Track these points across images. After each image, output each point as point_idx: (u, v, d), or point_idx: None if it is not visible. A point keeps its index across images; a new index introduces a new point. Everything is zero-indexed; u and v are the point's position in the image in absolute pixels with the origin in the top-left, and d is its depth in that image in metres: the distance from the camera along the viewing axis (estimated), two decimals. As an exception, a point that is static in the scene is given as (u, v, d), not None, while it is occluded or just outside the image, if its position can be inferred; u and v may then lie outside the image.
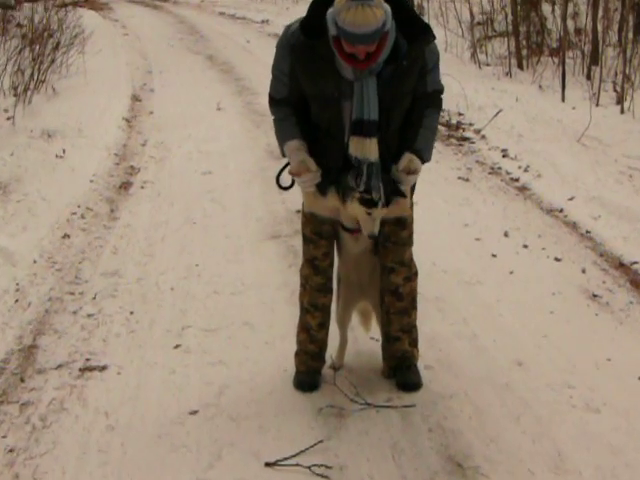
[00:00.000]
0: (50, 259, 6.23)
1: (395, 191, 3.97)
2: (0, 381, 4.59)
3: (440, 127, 9.81)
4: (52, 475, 3.79)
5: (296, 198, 7.45)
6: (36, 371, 4.69)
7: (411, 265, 4.30)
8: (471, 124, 10.08)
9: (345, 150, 3.93)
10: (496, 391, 4.32)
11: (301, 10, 4.39)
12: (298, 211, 6.92)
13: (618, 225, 6.54)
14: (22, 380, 4.59)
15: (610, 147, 8.50)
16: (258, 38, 18.93)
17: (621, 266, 5.89)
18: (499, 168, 8.40)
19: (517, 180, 7.98)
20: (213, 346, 4.89)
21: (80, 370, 4.68)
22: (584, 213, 6.90)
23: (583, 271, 5.84)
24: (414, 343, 4.43)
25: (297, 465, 3.73)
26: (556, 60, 12.34)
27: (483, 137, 9.51)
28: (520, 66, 13.01)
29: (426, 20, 4.00)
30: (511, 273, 5.82)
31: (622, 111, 9.71)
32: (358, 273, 4.36)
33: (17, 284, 5.75)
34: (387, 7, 3.66)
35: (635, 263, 5.87)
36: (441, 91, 4.08)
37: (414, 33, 3.82)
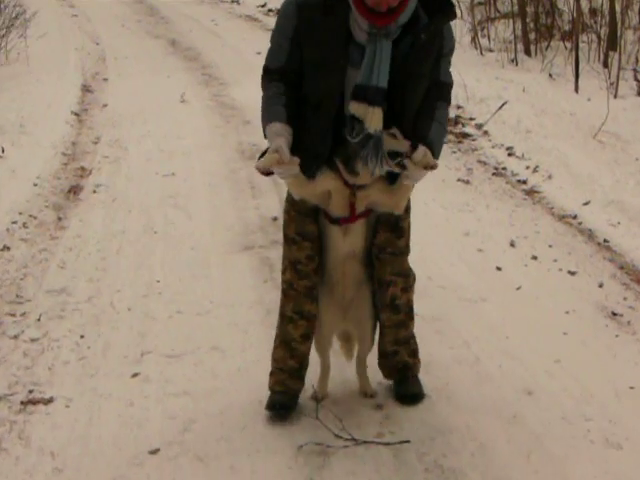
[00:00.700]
0: (-13, 275, 6.21)
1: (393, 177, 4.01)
2: None
3: (437, 122, 9.86)
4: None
5: (271, 204, 7.50)
6: (-29, 405, 4.66)
7: (409, 274, 4.37)
8: (472, 118, 10.12)
9: (335, 130, 3.97)
10: (502, 424, 4.32)
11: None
12: (274, 218, 6.96)
13: (640, 233, 6.59)
14: (-45, 415, 4.56)
15: (630, 144, 8.55)
16: (228, 20, 18.96)
17: (644, 280, 5.94)
18: (504, 168, 8.43)
19: (525, 182, 8.00)
20: (177, 374, 4.87)
21: (22, 403, 4.64)
22: (601, 219, 6.93)
23: (600, 286, 5.86)
24: (414, 354, 4.51)
25: (274, 512, 3.72)
26: (568, 45, 12.42)
27: (485, 133, 9.55)
28: (527, 52, 13.08)
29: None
30: (518, 289, 5.83)
31: (644, 103, 9.79)
32: (343, 285, 4.36)
33: (-51, 304, 5.72)
34: None
35: (660, 277, 5.92)
36: (451, 85, 4.18)
37: (435, 6, 3.93)
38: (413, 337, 4.52)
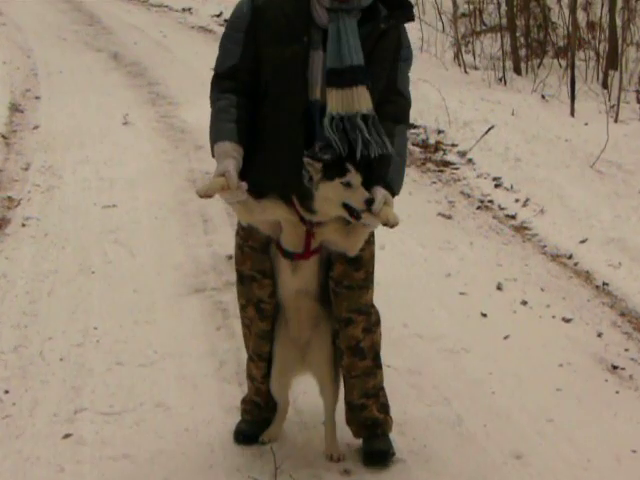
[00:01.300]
0: None
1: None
2: None
3: (413, 148, 9.94)
4: None
5: (226, 240, 7.49)
6: None
7: (371, 312, 4.39)
8: (454, 145, 10.19)
9: (302, 131, 4.06)
10: (488, 493, 4.33)
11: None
12: (229, 257, 6.95)
13: (644, 275, 6.64)
14: None
15: (633, 174, 8.63)
16: (178, 31, 19.00)
17: (648, 329, 5.98)
18: (490, 201, 8.49)
19: (514, 217, 8.06)
20: (116, 435, 4.84)
21: (-64, 468, 4.61)
22: (600, 260, 6.98)
23: (599, 335, 5.90)
24: (384, 409, 4.53)
25: None
26: (563, 63, 12.57)
27: (470, 161, 9.62)
28: (517, 70, 13.21)
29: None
30: (506, 338, 5.86)
31: (648, 129, 9.89)
32: (298, 323, 4.41)
33: None
34: None
35: (666, 325, 5.97)
36: (410, 103, 4.27)
37: (395, 3, 4.11)
38: (382, 389, 4.53)
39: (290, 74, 4.07)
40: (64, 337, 5.93)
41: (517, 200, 8.38)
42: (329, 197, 4.00)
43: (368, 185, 4.02)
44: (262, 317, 4.42)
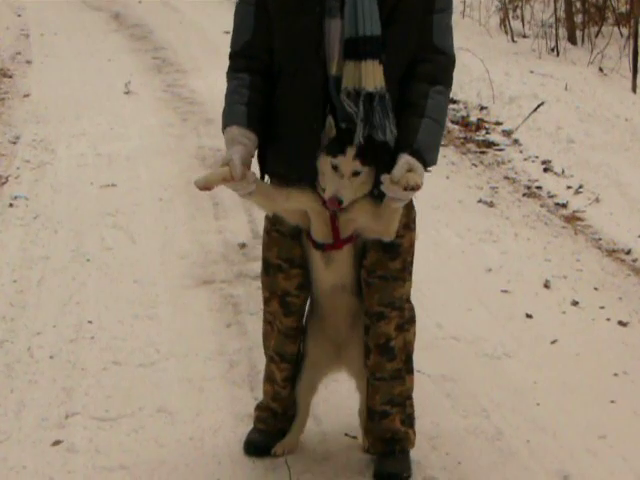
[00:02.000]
0: None
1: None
2: None
3: (452, 126, 9.92)
4: None
5: (238, 226, 7.51)
6: None
7: (405, 308, 4.36)
8: (498, 123, 10.19)
9: (322, 106, 4.04)
10: (530, 517, 4.35)
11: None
12: (242, 245, 6.98)
13: None
14: None
15: (702, 160, 8.63)
16: (187, -11, 19.05)
17: None
18: (538, 188, 8.48)
19: (564, 206, 8.06)
20: (111, 443, 4.85)
21: None
22: (662, 256, 6.99)
23: (660, 341, 5.90)
24: (409, 421, 4.50)
25: None
26: (625, 31, 12.51)
27: (516, 142, 9.61)
28: (572, 39, 13.17)
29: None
30: (553, 343, 5.86)
31: None
32: (334, 323, 4.42)
33: None
34: None
35: None
36: (452, 58, 4.16)
37: None
38: (410, 398, 4.50)
39: (303, 48, 4.05)
40: (55, 332, 5.95)
41: (569, 187, 8.37)
42: (321, 172, 4.02)
43: (395, 154, 3.98)
44: (287, 312, 4.41)
